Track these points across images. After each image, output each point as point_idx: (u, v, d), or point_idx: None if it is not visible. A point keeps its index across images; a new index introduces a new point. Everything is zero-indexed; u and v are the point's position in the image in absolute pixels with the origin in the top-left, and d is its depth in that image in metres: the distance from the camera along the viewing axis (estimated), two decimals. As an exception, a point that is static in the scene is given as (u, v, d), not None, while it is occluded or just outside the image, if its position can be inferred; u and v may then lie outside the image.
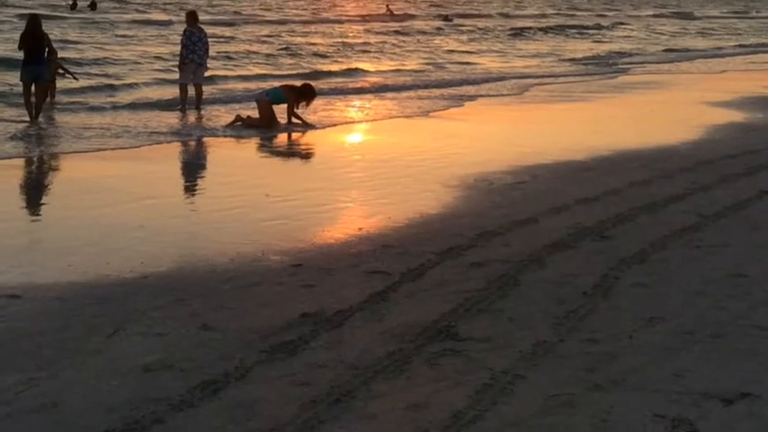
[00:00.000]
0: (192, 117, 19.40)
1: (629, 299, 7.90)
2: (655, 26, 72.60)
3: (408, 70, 31.86)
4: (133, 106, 20.70)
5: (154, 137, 16.80)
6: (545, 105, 23.06)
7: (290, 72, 29.31)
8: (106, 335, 6.94)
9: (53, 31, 34.57)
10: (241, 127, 18.05)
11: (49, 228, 10.79)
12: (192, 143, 16.72)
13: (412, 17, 71.81)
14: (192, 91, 20.48)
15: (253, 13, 69.02)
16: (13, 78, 21.05)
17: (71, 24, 46.04)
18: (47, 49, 18.81)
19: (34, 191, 12.97)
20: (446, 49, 42.45)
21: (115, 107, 20.49)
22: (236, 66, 31.27)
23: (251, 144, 16.72)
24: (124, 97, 22.29)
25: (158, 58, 31.61)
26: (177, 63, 21.26)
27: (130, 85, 24.49)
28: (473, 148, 16.26)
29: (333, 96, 23.56)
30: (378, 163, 14.68)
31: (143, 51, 33.86)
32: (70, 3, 65.25)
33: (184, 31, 20.80)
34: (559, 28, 62.13)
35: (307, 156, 16.11)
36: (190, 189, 13.16)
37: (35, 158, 14.90)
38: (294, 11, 78.85)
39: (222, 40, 40.19)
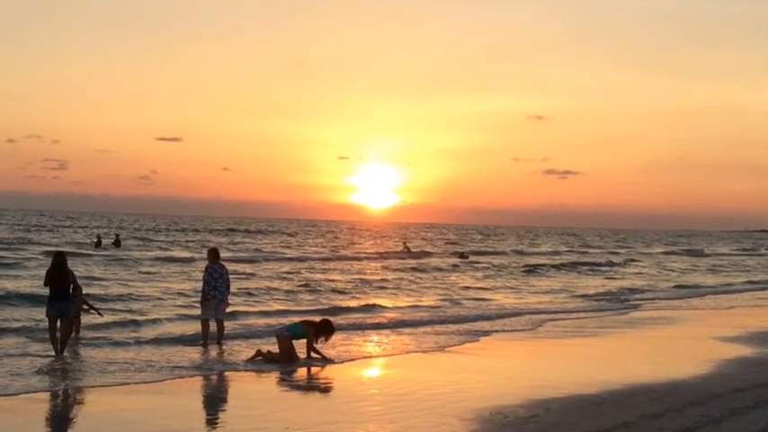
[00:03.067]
0: (213, 352, 19.80)
1: None
2: (666, 263, 73.77)
3: (425, 306, 32.42)
4: (156, 341, 21.11)
5: (176, 371, 17.14)
6: (558, 340, 23.41)
7: (310, 308, 29.92)
8: None
9: (78, 267, 35.64)
10: (262, 362, 18.45)
11: (75, 459, 11.07)
12: (214, 377, 17.06)
13: (429, 254, 73.36)
14: (213, 326, 20.96)
15: (273, 251, 70.75)
16: (39, 314, 21.69)
17: (96, 261, 47.22)
18: (72, 286, 19.44)
19: (59, 424, 13.23)
20: (462, 285, 43.29)
21: (139, 342, 20.89)
22: (256, 302, 31.92)
23: (271, 378, 17.05)
24: (147, 332, 22.77)
25: (181, 294, 32.36)
26: (199, 299, 21.78)
27: (153, 321, 25.02)
28: (488, 382, 16.57)
29: (351, 332, 24.02)
30: (395, 397, 14.99)
31: (166, 287, 34.70)
32: (95, 240, 67.06)
33: (206, 267, 21.45)
34: (572, 265, 63.32)
35: (325, 390, 16.39)
36: (211, 422, 13.45)
37: (60, 392, 15.19)
38: (313, 248, 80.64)
39: (243, 276, 41.20)
